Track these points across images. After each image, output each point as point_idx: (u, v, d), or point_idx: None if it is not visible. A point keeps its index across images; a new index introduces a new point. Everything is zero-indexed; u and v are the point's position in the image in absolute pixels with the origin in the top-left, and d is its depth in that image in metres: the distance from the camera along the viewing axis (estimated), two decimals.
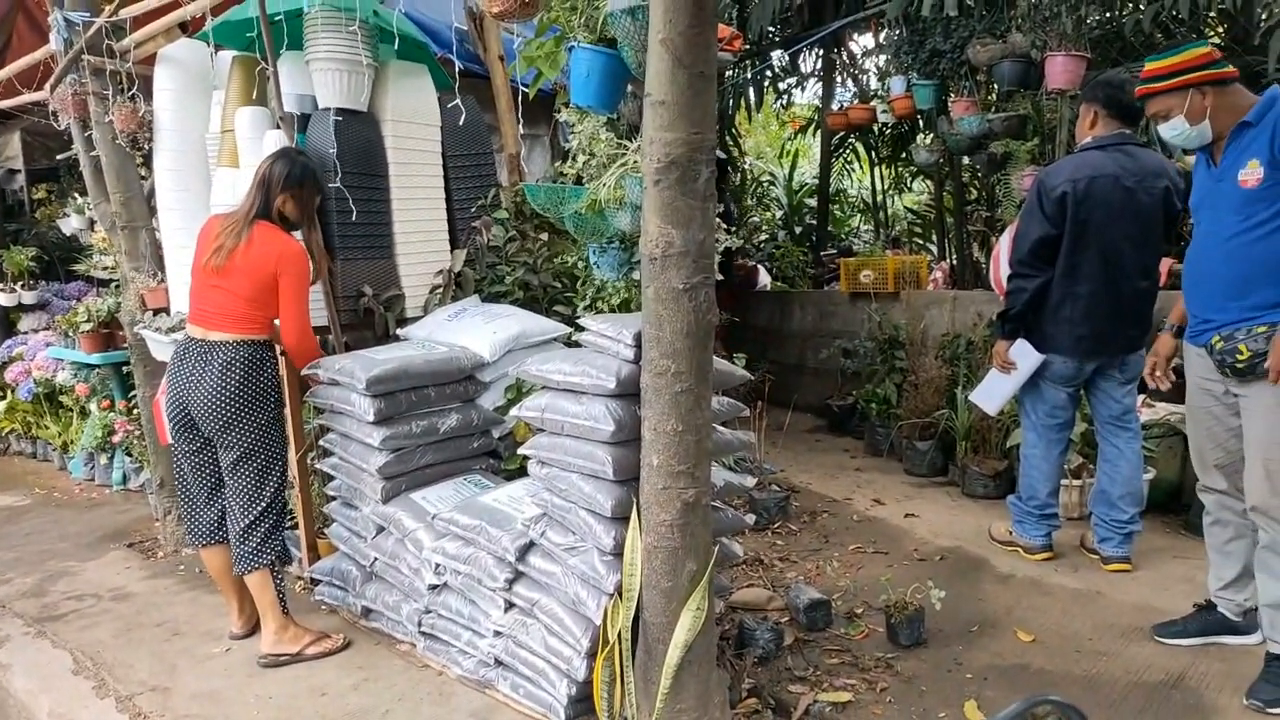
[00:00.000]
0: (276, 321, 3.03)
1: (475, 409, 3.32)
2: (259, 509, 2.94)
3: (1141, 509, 3.41)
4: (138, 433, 4.78)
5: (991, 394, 3.56)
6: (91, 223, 5.73)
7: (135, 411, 4.77)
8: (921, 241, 9.42)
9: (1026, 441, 3.54)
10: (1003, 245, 4.58)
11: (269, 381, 2.97)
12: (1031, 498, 3.50)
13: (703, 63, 1.98)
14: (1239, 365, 2.47)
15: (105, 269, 5.66)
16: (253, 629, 3.11)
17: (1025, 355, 3.35)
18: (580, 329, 2.56)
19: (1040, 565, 3.49)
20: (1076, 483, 3.95)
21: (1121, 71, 3.66)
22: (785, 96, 8.87)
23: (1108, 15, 5.17)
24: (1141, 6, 5.26)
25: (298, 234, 3.14)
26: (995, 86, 5.42)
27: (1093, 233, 3.17)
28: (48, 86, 4.10)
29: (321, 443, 3.34)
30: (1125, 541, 3.39)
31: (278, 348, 3.09)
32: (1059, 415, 3.41)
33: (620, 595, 2.28)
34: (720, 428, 2.58)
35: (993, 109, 5.46)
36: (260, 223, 2.95)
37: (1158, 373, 2.95)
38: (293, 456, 3.30)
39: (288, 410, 3.21)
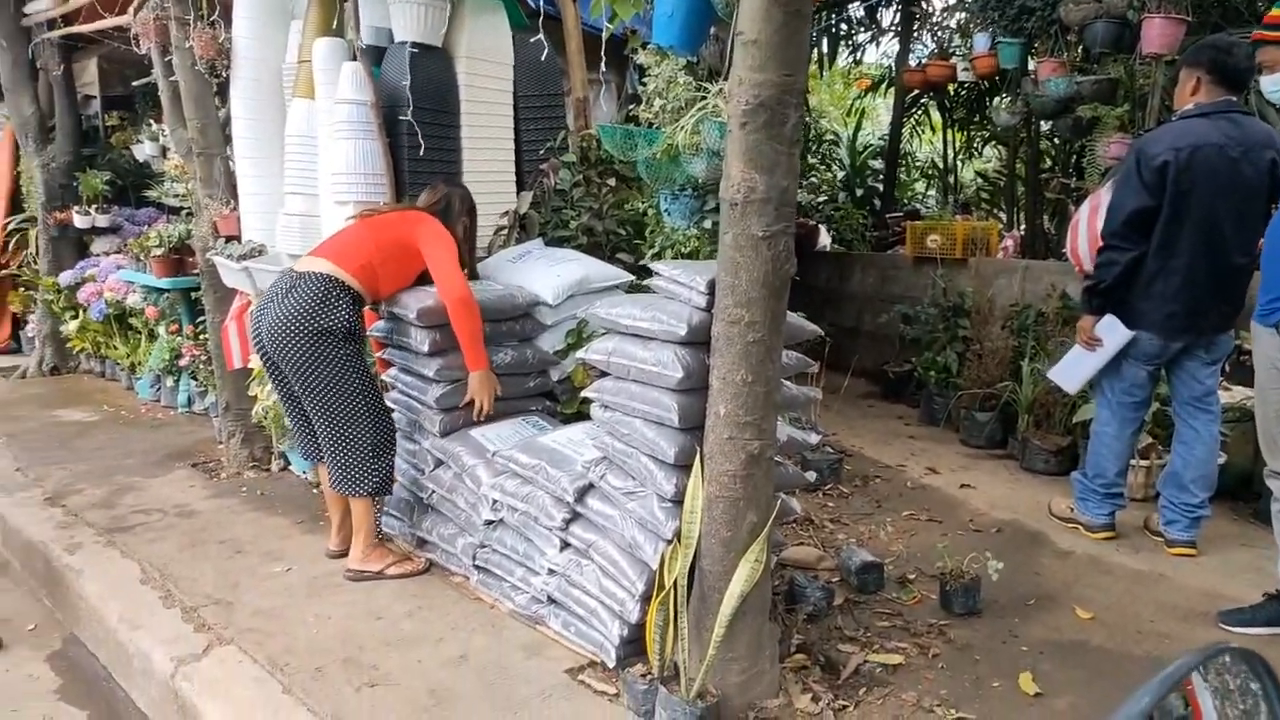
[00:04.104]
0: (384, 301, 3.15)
1: (531, 347, 3.33)
2: (343, 443, 2.96)
3: (1211, 494, 3.30)
4: (204, 358, 4.90)
5: (1073, 371, 3.41)
6: (164, 150, 5.81)
7: (203, 336, 4.88)
8: (989, 209, 9.14)
9: (1099, 419, 3.43)
10: (1083, 216, 4.40)
11: (338, 322, 2.90)
12: (1099, 475, 3.40)
13: (799, 0, 1.90)
14: None
15: (176, 196, 5.76)
16: (348, 548, 3.12)
17: (1113, 331, 3.21)
18: (648, 274, 2.53)
19: (1101, 544, 3.41)
20: (1144, 463, 3.84)
21: (1227, 35, 3.45)
22: (858, 51, 8.61)
23: None
24: None
25: None
26: (1085, 48, 5.17)
27: (1193, 205, 3.01)
28: (130, 10, 4.14)
29: (384, 376, 3.38)
30: (1192, 525, 3.29)
31: (363, 304, 3.07)
32: (1136, 394, 3.29)
33: (679, 541, 2.28)
34: (787, 382, 2.54)
35: (1081, 71, 5.22)
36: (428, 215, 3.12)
37: None
38: None
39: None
